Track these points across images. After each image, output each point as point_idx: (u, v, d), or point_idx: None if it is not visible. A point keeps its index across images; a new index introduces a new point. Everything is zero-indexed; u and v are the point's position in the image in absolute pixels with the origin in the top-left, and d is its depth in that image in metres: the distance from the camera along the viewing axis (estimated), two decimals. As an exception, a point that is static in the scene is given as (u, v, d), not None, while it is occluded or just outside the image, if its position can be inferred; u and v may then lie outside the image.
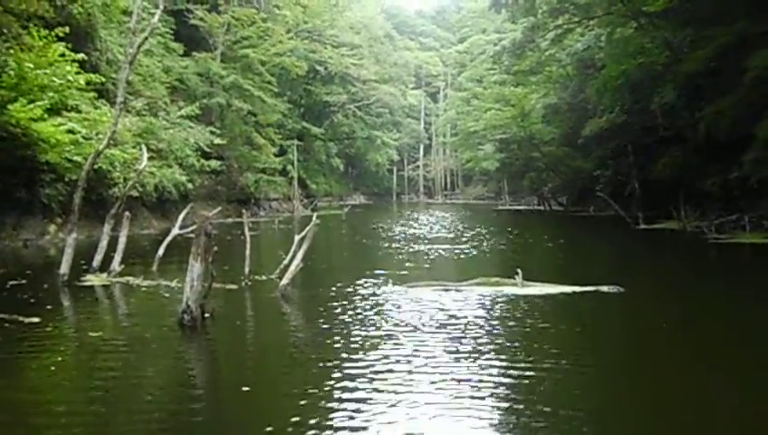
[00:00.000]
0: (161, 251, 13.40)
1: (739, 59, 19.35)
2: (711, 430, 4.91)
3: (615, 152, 31.50)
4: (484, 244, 19.68)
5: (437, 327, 7.81)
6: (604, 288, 10.08)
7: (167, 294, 10.32)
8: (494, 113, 44.89)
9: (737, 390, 5.73)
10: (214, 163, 30.77)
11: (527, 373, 5.97)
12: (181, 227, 14.29)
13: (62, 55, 19.00)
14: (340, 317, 8.49)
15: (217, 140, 31.26)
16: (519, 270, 10.63)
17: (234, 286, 10.77)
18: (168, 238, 13.88)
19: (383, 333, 7.59)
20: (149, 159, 18.58)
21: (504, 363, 6.30)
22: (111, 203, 15.98)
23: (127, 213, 13.13)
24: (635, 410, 5.32)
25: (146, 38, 13.85)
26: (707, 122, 22.01)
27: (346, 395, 5.33)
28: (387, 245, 19.47)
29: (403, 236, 22.95)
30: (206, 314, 8.03)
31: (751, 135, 19.18)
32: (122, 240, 12.45)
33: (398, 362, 6.30)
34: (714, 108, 21.46)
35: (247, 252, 11.91)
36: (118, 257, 12.06)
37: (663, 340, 7.76)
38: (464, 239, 21.04)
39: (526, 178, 47.78)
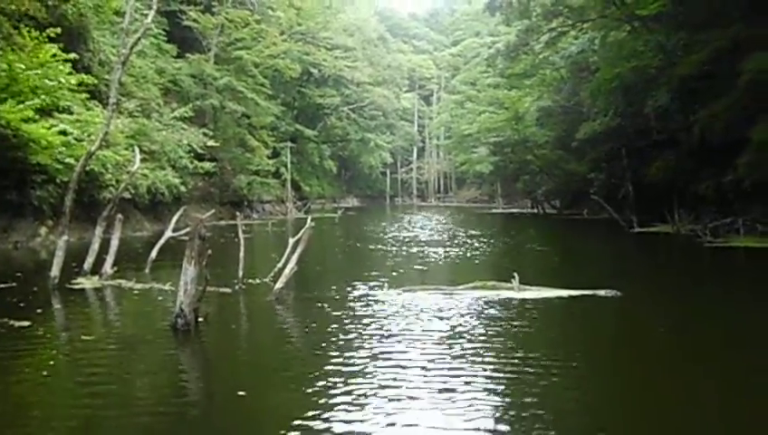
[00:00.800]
0: (154, 254, 13.27)
1: (733, 62, 19.37)
2: (706, 432, 4.92)
3: (609, 155, 31.53)
4: (479, 247, 19.64)
5: (433, 331, 7.75)
6: (601, 292, 10.03)
7: (160, 298, 10.20)
8: (488, 116, 44.90)
9: (732, 393, 5.71)
10: (207, 165, 30.61)
11: (524, 376, 5.93)
12: (174, 230, 14.16)
13: (54, 56, 18.84)
14: (336, 321, 8.40)
15: (210, 142, 31.13)
16: (515, 274, 10.56)
17: (228, 290, 10.66)
18: (161, 241, 13.74)
19: (379, 336, 7.51)
20: (142, 160, 18.44)
21: (501, 367, 6.26)
22: (103, 205, 15.82)
23: (119, 215, 12.98)
24: (632, 412, 5.30)
25: (138, 39, 13.72)
26: (701, 126, 22.04)
27: (342, 399, 5.26)
28: (381, 247, 19.39)
29: (397, 238, 22.88)
30: (200, 318, 7.92)
31: (745, 138, 19.20)
32: (114, 243, 12.31)
33: (394, 365, 6.24)
34: (707, 111, 21.48)
35: (241, 255, 11.79)
36: (110, 260, 11.92)
37: (660, 344, 7.75)
38: (458, 242, 20.99)
39: (520, 181, 47.80)
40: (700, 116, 22.10)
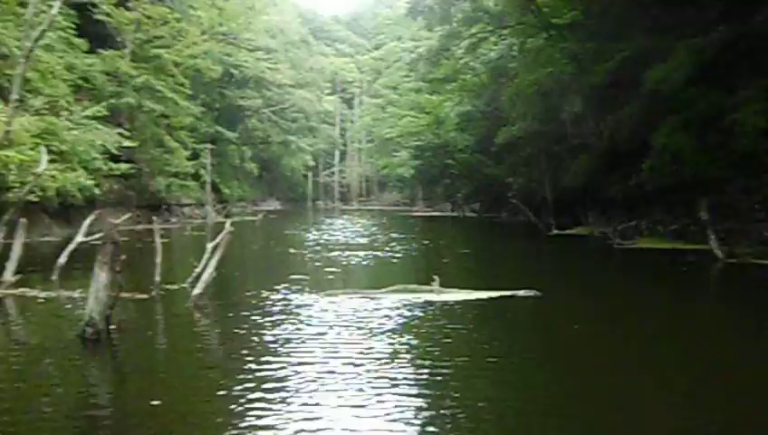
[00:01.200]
0: (63, 259, 12.58)
1: (637, 72, 20.27)
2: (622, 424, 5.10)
3: (527, 160, 32.40)
4: (401, 250, 19.76)
5: (353, 334, 7.75)
6: (521, 293, 10.29)
7: (68, 306, 9.68)
8: (410, 120, 45.40)
9: (644, 385, 5.97)
10: (123, 167, 29.39)
11: (445, 376, 6.04)
12: (87, 235, 13.48)
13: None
14: (255, 326, 8.25)
15: (127, 143, 29.94)
16: (435, 277, 10.69)
17: (143, 296, 10.24)
18: (71, 246, 13.05)
19: (298, 340, 7.45)
20: (51, 161, 17.54)
21: (422, 367, 6.34)
22: (6, 209, 14.90)
23: (23, 219, 12.23)
24: (550, 407, 5.46)
25: (44, 31, 13.05)
26: (609, 132, 22.99)
27: (261, 406, 5.16)
28: (302, 252, 19.20)
29: (319, 242, 22.72)
30: (113, 327, 7.57)
31: (648, 144, 20.13)
32: (17, 248, 11.55)
33: (314, 370, 6.20)
34: (615, 118, 22.42)
35: (158, 260, 11.37)
36: (11, 267, 11.17)
37: (577, 340, 8.06)
38: (380, 245, 21.05)
39: (441, 184, 48.49)
40: (608, 122, 23.03)
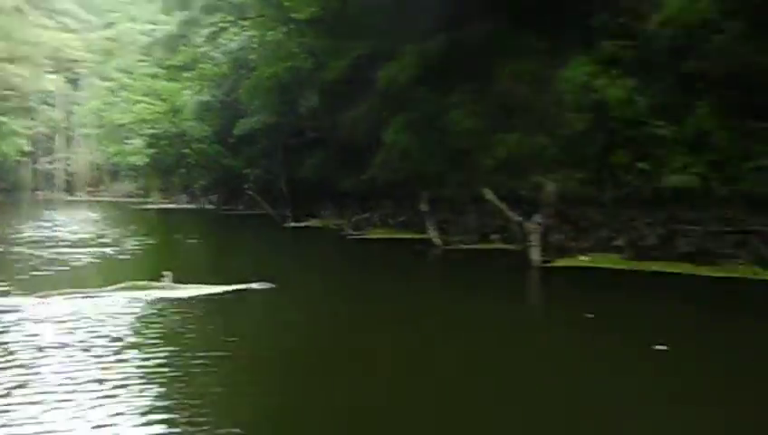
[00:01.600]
0: None
1: (372, 71, 21.49)
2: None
3: (265, 152, 32.57)
4: (132, 245, 18.52)
5: (66, 338, 7.10)
6: (255, 285, 10.35)
7: None
8: (145, 107, 42.74)
9: (372, 368, 6.41)
10: None
11: (176, 373, 5.90)
12: None
13: None
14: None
15: None
16: (167, 272, 10.34)
17: None
18: None
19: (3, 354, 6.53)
20: None
21: (151, 367, 6.07)
22: None
23: None
24: (282, 394, 5.67)
25: None
26: (345, 127, 24.06)
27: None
28: (12, 250, 16.82)
29: (34, 239, 20.16)
30: None
31: (381, 141, 21.50)
32: None
33: (13, 379, 5.56)
34: (351, 114, 23.53)
35: None
36: None
37: (308, 329, 8.37)
38: (109, 241, 19.45)
39: (177, 174, 46.67)
40: (344, 118, 24.08)
